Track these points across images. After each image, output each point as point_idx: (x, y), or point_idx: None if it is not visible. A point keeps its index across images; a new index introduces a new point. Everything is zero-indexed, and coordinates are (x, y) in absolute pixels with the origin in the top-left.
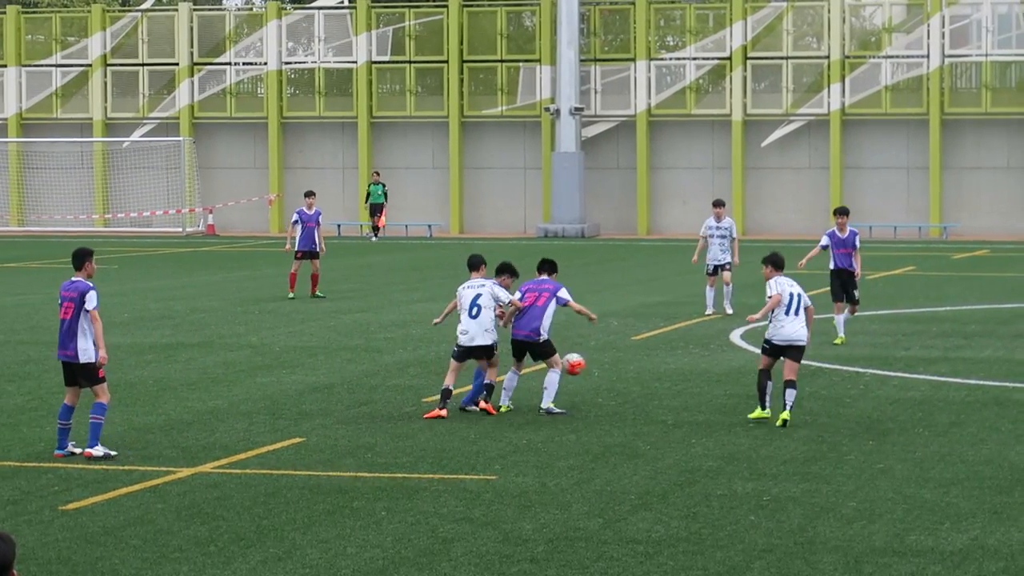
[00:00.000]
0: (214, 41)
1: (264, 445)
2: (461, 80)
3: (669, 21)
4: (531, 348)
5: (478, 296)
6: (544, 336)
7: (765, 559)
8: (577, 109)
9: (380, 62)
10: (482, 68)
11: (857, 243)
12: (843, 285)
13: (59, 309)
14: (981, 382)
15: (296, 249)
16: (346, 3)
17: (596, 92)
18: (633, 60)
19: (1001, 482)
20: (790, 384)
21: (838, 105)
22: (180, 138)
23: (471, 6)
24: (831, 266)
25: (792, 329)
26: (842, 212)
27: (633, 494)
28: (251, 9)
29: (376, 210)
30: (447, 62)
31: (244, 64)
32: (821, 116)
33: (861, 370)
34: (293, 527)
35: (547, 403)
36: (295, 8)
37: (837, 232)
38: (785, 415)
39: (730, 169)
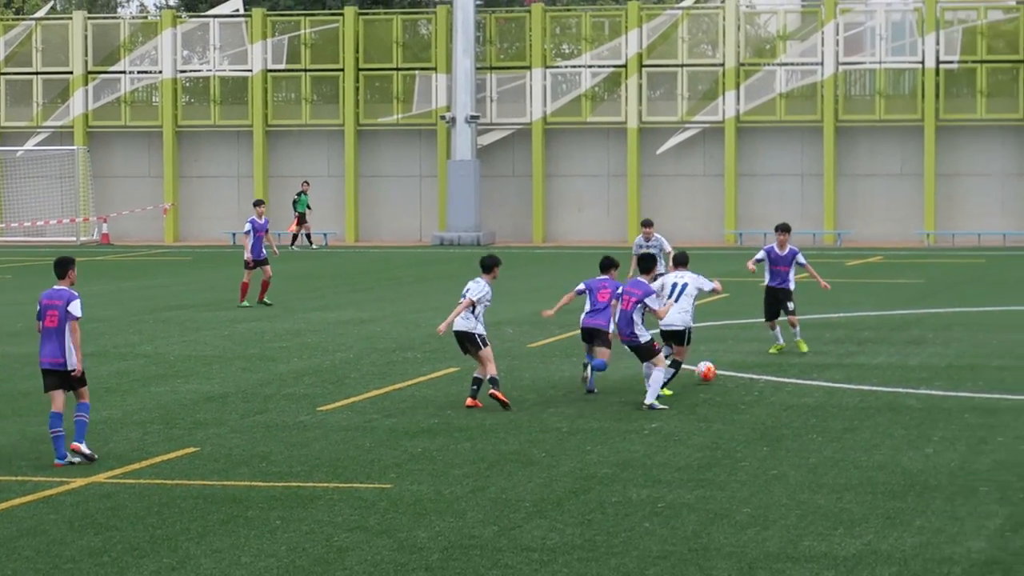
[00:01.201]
0: (109, 49)
1: (158, 455)
2: (357, 88)
3: (565, 29)
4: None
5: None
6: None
7: (660, 566)
8: (473, 117)
9: (275, 70)
10: (378, 76)
11: (801, 259)
12: (777, 303)
13: (41, 317)
14: (874, 388)
15: (252, 259)
16: (241, 12)
17: (492, 100)
18: (529, 68)
19: (894, 487)
20: (674, 364)
21: (733, 112)
22: (74, 147)
23: (367, 15)
24: (766, 283)
25: (668, 316)
26: (784, 229)
27: (528, 502)
28: (146, 18)
29: (302, 219)
30: (343, 70)
31: (139, 72)
32: (716, 123)
33: (755, 377)
34: (187, 537)
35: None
36: (190, 16)
37: (776, 249)
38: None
39: (626, 176)
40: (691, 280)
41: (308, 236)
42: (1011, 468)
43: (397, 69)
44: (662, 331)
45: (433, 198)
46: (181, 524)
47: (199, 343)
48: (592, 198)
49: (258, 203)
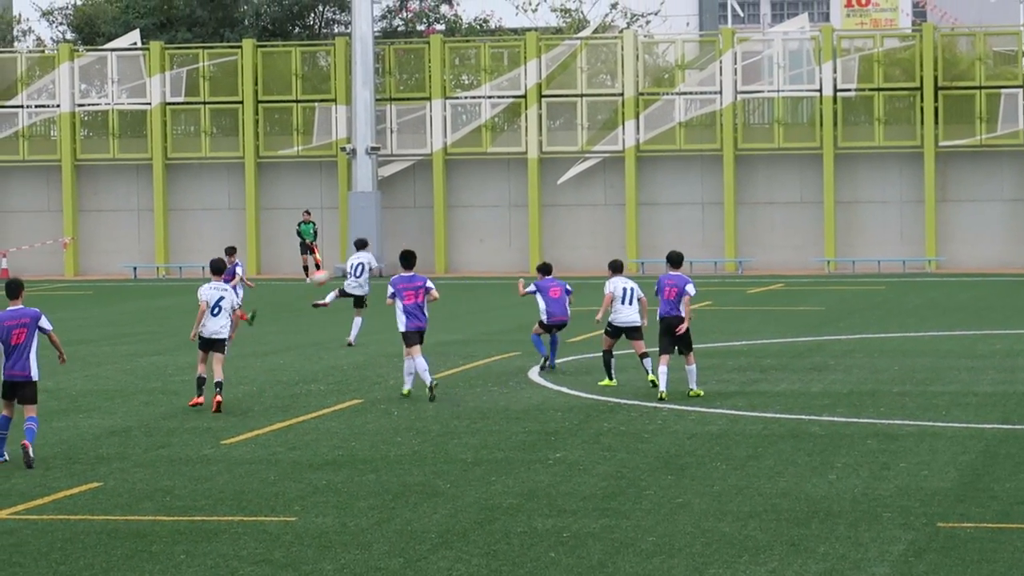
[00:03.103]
0: (6, 83)
1: (61, 490)
2: (256, 121)
3: (464, 60)
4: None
5: (220, 298)
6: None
7: None
8: (373, 148)
9: (174, 103)
10: (277, 108)
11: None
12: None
13: (7, 336)
14: (777, 415)
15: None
16: (139, 45)
17: (392, 131)
18: (428, 99)
19: (798, 514)
20: (643, 356)
21: (633, 142)
22: None
23: (265, 47)
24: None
25: (626, 314)
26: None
27: (433, 533)
28: (43, 51)
29: (306, 249)
30: (242, 103)
31: (37, 107)
32: (616, 153)
33: (659, 405)
34: (91, 573)
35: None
36: (87, 50)
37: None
38: (655, 384)
39: (526, 207)
40: (635, 287)
41: (305, 268)
42: (913, 494)
43: (296, 101)
44: (615, 327)
45: (335, 230)
46: (85, 560)
47: (100, 377)
48: (493, 229)
49: (231, 251)
